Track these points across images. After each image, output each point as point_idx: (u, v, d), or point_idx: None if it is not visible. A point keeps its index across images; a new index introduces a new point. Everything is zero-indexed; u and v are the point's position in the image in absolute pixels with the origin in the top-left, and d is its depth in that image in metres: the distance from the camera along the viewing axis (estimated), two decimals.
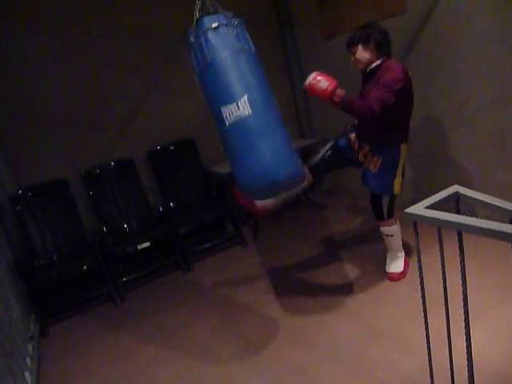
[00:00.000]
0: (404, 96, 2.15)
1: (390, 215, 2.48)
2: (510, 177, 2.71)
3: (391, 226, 2.50)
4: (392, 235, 2.51)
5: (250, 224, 3.88)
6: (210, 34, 1.92)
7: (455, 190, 1.29)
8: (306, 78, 2.21)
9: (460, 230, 1.12)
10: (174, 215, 3.51)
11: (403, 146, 2.33)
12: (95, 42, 3.44)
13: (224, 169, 3.63)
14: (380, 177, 2.39)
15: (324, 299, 2.58)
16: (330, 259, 3.05)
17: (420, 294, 1.36)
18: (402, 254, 2.59)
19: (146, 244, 3.18)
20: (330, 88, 2.11)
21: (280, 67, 4.28)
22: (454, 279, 1.28)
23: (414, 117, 2.36)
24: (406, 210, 1.23)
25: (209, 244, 3.63)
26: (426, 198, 1.28)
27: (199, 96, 2.14)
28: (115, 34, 3.51)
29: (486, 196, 1.27)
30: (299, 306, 2.57)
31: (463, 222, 1.08)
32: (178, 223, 3.44)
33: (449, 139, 2.99)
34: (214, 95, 1.96)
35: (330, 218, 3.91)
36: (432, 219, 1.15)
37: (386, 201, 2.44)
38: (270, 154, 1.88)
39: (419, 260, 1.28)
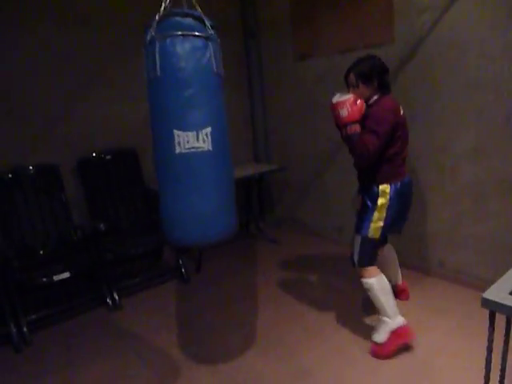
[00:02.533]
0: (389, 137, 1.99)
1: (364, 263, 2.15)
2: (482, 231, 2.56)
3: (367, 277, 2.13)
4: (369, 290, 2.14)
5: (193, 255, 3.38)
6: (185, 44, 1.64)
7: None
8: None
9: None
10: (102, 239, 2.90)
11: (383, 188, 2.05)
12: (33, 26, 2.81)
13: None
14: (359, 216, 2.16)
15: (268, 352, 2.17)
16: (280, 303, 2.69)
17: None
18: (388, 321, 2.10)
19: (65, 275, 2.54)
20: (346, 120, 1.96)
21: (241, 82, 3.90)
22: None
23: None
24: (485, 296, 0.88)
25: (143, 277, 3.06)
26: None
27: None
28: (58, 19, 2.90)
29: None
30: (239, 354, 2.15)
31: None
32: (106, 249, 2.84)
33: (425, 185, 2.80)
34: (170, 114, 1.68)
35: (281, 252, 3.54)
36: None
37: (357, 241, 2.12)
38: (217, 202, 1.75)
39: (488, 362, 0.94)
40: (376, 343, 2.12)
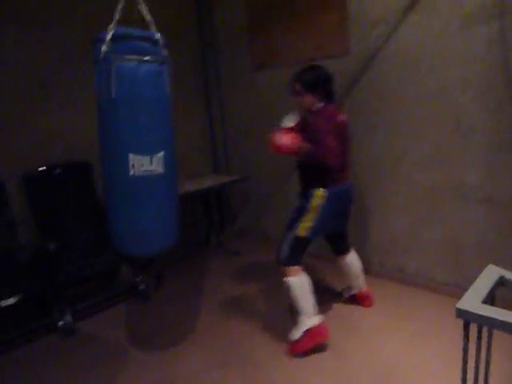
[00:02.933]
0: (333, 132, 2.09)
1: (290, 263, 2.19)
2: (438, 236, 2.64)
3: (289, 276, 2.18)
4: (289, 289, 2.18)
5: (152, 272, 3.22)
6: (142, 68, 1.70)
7: (499, 274, 0.98)
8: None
9: None
10: (53, 259, 2.69)
11: (319, 191, 2.13)
12: None
13: None
14: (292, 214, 2.24)
15: (235, 369, 2.08)
16: (245, 316, 2.61)
17: None
18: (304, 320, 2.17)
19: (10, 301, 2.33)
20: (293, 145, 2.07)
21: (198, 92, 3.83)
22: None
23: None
24: (458, 306, 0.86)
25: (98, 297, 2.88)
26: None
27: None
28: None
29: None
30: (204, 373, 2.05)
31: None
32: (57, 270, 2.64)
33: (383, 193, 2.85)
34: (125, 138, 1.74)
35: (243, 264, 3.47)
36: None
37: (288, 240, 2.20)
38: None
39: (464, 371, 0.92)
40: (292, 341, 2.19)
